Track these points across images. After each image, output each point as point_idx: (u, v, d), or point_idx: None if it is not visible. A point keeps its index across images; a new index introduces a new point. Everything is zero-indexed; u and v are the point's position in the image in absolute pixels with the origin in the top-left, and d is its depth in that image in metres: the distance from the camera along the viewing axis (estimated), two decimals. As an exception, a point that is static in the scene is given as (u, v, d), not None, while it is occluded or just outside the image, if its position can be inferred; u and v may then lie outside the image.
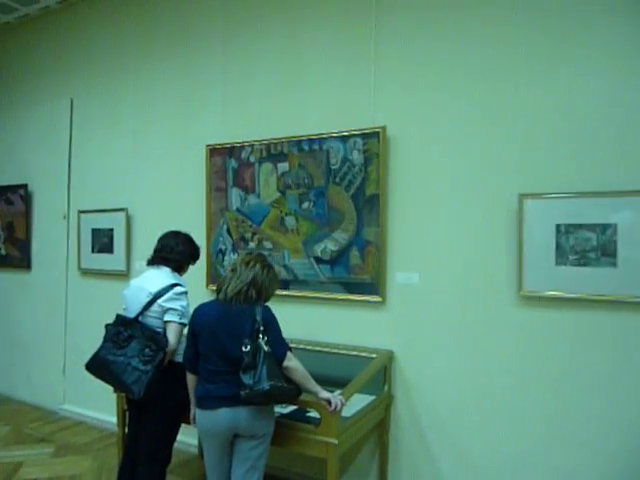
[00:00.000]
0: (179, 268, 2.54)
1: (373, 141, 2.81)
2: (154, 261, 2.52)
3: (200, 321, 2.14)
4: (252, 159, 3.24)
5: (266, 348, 1.98)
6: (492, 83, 2.58)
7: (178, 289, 2.37)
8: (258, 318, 2.04)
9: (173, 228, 2.64)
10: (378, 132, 2.79)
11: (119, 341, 2.29)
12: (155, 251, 2.54)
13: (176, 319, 2.32)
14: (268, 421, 2.12)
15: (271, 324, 2.07)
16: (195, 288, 3.26)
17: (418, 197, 2.76)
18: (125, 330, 2.31)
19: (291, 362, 2.05)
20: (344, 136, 2.90)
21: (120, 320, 2.37)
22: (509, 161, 2.53)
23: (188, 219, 3.42)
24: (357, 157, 2.86)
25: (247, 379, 1.95)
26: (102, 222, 4.01)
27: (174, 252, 2.50)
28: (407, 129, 2.79)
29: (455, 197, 2.66)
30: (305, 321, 3.04)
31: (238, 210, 3.30)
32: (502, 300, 2.54)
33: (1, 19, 4.63)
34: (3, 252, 4.74)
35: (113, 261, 3.94)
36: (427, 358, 2.73)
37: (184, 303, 2.37)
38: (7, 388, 4.73)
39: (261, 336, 2.00)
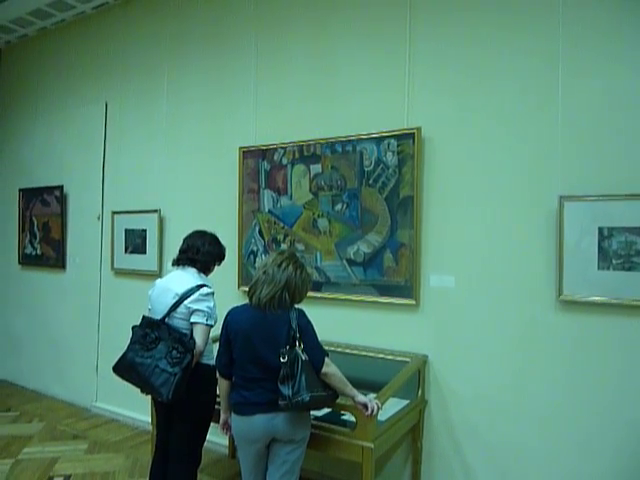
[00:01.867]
0: (205, 269, 2.52)
1: (407, 142, 2.79)
2: (180, 262, 2.50)
3: (234, 327, 2.12)
4: (284, 161, 3.25)
5: (304, 357, 1.96)
6: (530, 81, 2.53)
7: (205, 290, 2.36)
8: (294, 324, 2.02)
9: (206, 229, 2.62)
10: (413, 133, 2.77)
11: (146, 343, 2.29)
12: (181, 251, 2.53)
13: (203, 321, 2.31)
14: (305, 426, 2.12)
15: (307, 330, 2.06)
16: (226, 289, 3.33)
17: (454, 199, 2.72)
18: (152, 332, 2.30)
19: (329, 368, 2.04)
20: (378, 137, 2.88)
21: (147, 322, 2.36)
22: (549, 162, 2.48)
23: (220, 220, 3.45)
24: (391, 158, 2.84)
25: (286, 390, 1.92)
26: (135, 223, 4.07)
27: (200, 253, 2.47)
28: (442, 130, 2.76)
29: (492, 199, 2.62)
30: (337, 323, 3.03)
31: (270, 212, 3.31)
32: (541, 305, 2.48)
33: (38, 25, 4.75)
34: (39, 252, 4.87)
35: (146, 261, 4.00)
36: (461, 363, 2.69)
37: (211, 304, 2.36)
38: (41, 385, 4.85)
39: (297, 343, 1.98)
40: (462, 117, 2.71)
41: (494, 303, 2.60)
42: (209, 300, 2.36)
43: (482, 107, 2.66)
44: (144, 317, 2.41)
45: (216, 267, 2.61)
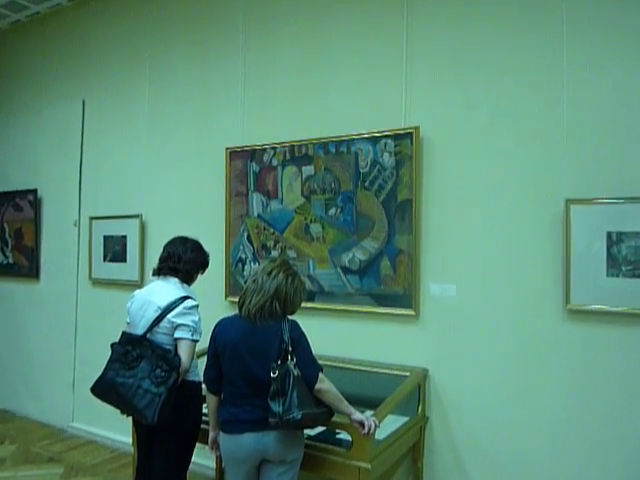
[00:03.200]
0: (188, 278, 2.50)
1: (405, 142, 2.80)
2: (161, 271, 2.49)
3: (223, 340, 2.12)
4: (274, 162, 3.25)
5: (296, 372, 1.96)
6: (534, 79, 2.56)
7: (189, 303, 2.34)
8: (285, 337, 2.02)
9: (190, 235, 2.62)
10: (411, 133, 2.78)
11: (127, 361, 2.26)
12: (161, 260, 2.51)
13: (188, 336, 2.29)
14: (298, 446, 2.11)
15: (300, 343, 2.06)
16: (212, 300, 3.32)
17: (455, 202, 2.74)
18: (133, 349, 2.28)
19: (324, 384, 2.03)
20: (374, 137, 2.90)
21: (127, 338, 2.35)
22: (554, 163, 2.50)
23: (206, 226, 3.45)
24: (388, 160, 2.86)
25: (276, 406, 1.92)
26: (115, 229, 4.06)
27: (182, 261, 2.46)
28: (442, 130, 2.78)
29: (495, 203, 2.64)
30: (331, 336, 3.02)
31: (259, 216, 3.32)
32: (547, 314, 2.50)
33: (11, 17, 4.74)
34: (11, 260, 4.83)
35: (126, 270, 3.98)
36: (464, 377, 2.69)
37: (196, 318, 2.34)
38: (14, 405, 4.79)
39: (289, 357, 1.99)
40: (463, 116, 2.73)
41: (498, 313, 2.62)
42: (194, 313, 2.35)
43: (484, 106, 2.68)
44: (124, 333, 2.39)
45: (199, 276, 2.60)
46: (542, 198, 2.52)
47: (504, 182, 2.62)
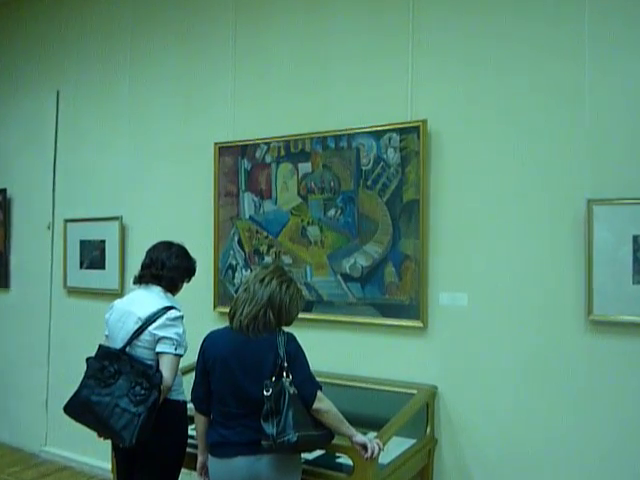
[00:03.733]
0: (172, 287, 2.51)
1: (412, 137, 2.82)
2: (142, 279, 2.49)
3: (212, 354, 2.13)
4: (268, 159, 3.27)
5: (291, 390, 1.96)
6: (554, 67, 2.58)
7: (172, 313, 2.34)
8: (281, 351, 2.03)
9: (175, 240, 2.63)
10: (418, 126, 2.80)
11: (104, 378, 2.25)
12: (143, 267, 2.51)
13: (171, 350, 2.28)
14: (294, 471, 2.11)
15: (297, 358, 2.06)
16: (200, 311, 3.33)
17: (466, 203, 2.76)
18: (110, 364, 2.27)
19: (322, 403, 2.03)
20: (377, 131, 2.91)
21: (104, 352, 2.34)
22: (575, 161, 2.52)
23: (193, 229, 3.47)
24: (393, 156, 2.88)
25: (269, 428, 1.92)
26: (92, 233, 4.06)
27: (166, 268, 2.46)
28: (452, 123, 2.79)
29: (510, 203, 2.66)
30: (331, 350, 3.03)
31: (251, 218, 3.33)
32: (567, 326, 2.51)
33: (-22, 1, 4.76)
34: (-23, 268, 4.82)
35: (105, 278, 3.99)
36: (477, 394, 2.70)
37: (180, 330, 2.33)
38: (-20, 427, 4.80)
39: (285, 374, 1.99)
40: (475, 109, 2.75)
41: (514, 324, 2.63)
42: (178, 325, 2.34)
43: (498, 98, 2.70)
44: (101, 346, 2.39)
45: (185, 284, 2.62)
46: (562, 198, 2.53)
47: (520, 181, 2.64)
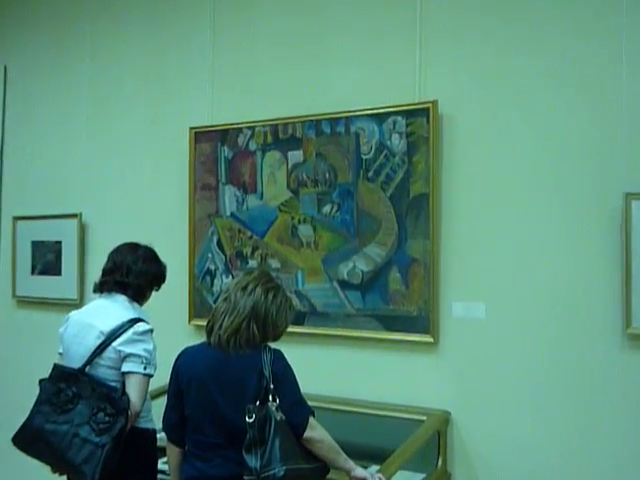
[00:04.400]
0: (139, 296, 2.52)
1: (420, 121, 2.82)
2: (104, 286, 2.49)
3: (187, 374, 2.11)
4: (252, 146, 3.26)
5: (278, 416, 1.95)
6: (587, 48, 2.58)
7: (140, 327, 2.35)
8: (266, 371, 2.01)
9: (143, 240, 2.63)
10: (427, 108, 2.80)
11: (60, 403, 2.25)
12: (105, 272, 2.52)
13: (139, 369, 2.29)
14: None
15: (285, 378, 2.05)
16: (173, 323, 3.34)
17: (484, 198, 2.76)
18: (68, 387, 2.26)
19: (315, 432, 2.03)
20: (380, 114, 2.91)
21: (60, 373, 2.33)
22: (610, 150, 2.52)
23: (164, 228, 3.47)
24: (398, 143, 2.87)
25: (252, 460, 1.90)
26: (46, 233, 4.04)
27: (132, 273, 2.47)
28: (467, 105, 2.80)
29: (535, 199, 2.66)
30: (325, 369, 3.03)
31: (233, 216, 3.32)
32: (602, 341, 2.51)
33: None
34: None
35: (61, 286, 3.97)
36: (497, 421, 2.70)
37: (150, 346, 2.34)
38: None
39: (271, 397, 1.98)
40: (494, 89, 2.75)
41: (539, 339, 2.62)
42: (147, 341, 2.35)
43: (522, 78, 2.69)
44: (56, 366, 2.38)
45: (154, 292, 2.62)
46: (595, 192, 2.54)
47: (547, 174, 2.64)
